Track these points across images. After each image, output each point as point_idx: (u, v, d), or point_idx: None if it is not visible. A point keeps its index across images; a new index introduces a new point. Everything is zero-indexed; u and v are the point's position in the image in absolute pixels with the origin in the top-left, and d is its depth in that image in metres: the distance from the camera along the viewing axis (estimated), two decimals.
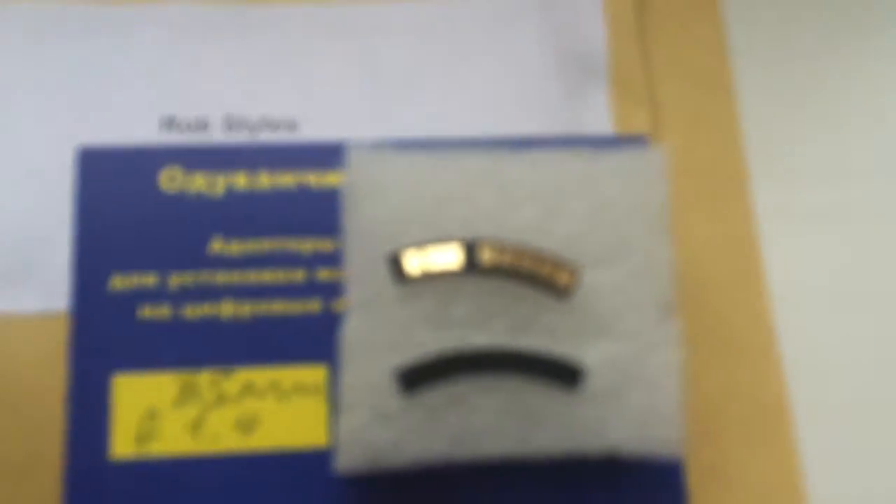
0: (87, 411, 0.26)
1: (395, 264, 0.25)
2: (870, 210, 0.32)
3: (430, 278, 0.25)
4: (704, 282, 0.31)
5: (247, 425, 0.27)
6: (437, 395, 0.25)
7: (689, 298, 0.30)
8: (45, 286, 0.28)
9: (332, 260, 0.28)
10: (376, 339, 0.25)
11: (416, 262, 0.25)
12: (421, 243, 0.25)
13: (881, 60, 0.34)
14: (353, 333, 0.25)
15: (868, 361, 0.30)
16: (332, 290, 0.28)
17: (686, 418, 0.27)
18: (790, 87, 0.33)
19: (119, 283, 0.27)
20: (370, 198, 0.26)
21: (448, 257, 0.25)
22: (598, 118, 0.31)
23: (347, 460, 0.25)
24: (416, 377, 0.25)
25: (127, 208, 0.28)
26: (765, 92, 0.33)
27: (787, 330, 0.30)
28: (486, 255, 0.25)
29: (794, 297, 0.31)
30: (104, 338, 0.27)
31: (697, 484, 0.28)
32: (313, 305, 0.28)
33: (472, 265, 0.25)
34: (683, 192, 0.31)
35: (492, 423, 0.25)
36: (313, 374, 0.27)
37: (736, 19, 0.34)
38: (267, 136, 0.30)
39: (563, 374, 0.25)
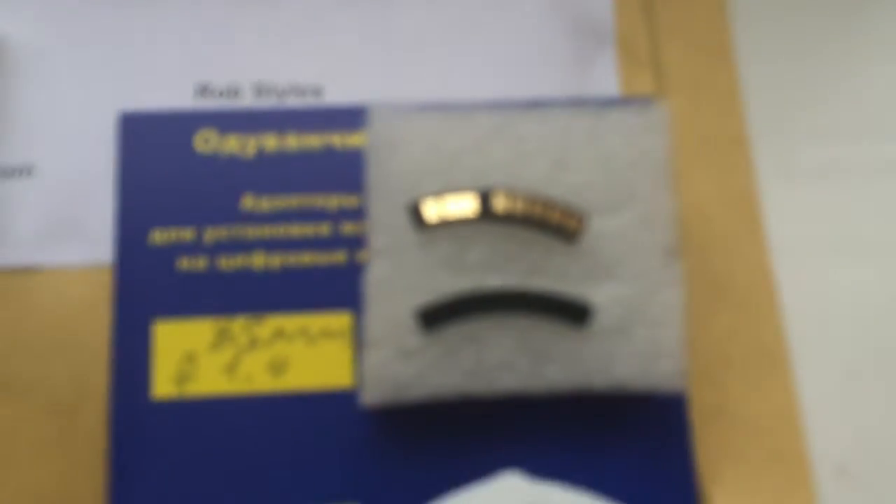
0: (130, 355, 0.28)
1: (414, 213, 0.27)
2: (862, 167, 0.33)
3: (447, 225, 0.27)
4: (709, 234, 0.32)
5: (278, 367, 0.29)
6: (455, 334, 0.27)
7: (695, 250, 0.32)
8: (91, 240, 0.29)
9: (356, 215, 0.30)
10: (398, 282, 0.27)
11: (434, 210, 0.27)
12: (438, 193, 0.27)
13: (875, 27, 0.35)
14: (376, 277, 0.27)
15: (859, 308, 0.32)
16: (356, 243, 0.30)
17: (691, 361, 0.29)
18: (788, 51, 0.35)
19: (158, 237, 0.30)
20: (391, 153, 0.28)
21: (464, 205, 0.27)
22: (606, 82, 0.33)
23: (372, 394, 0.27)
24: (435, 316, 0.26)
25: (165, 168, 0.30)
26: (764, 57, 0.34)
27: (785, 278, 0.32)
28: (500, 203, 0.27)
29: (792, 248, 0.32)
30: (145, 287, 0.29)
31: (701, 422, 0.30)
32: (339, 257, 0.30)
33: (486, 212, 0.27)
34: (688, 150, 0.33)
35: (505, 359, 0.27)
36: (339, 321, 0.29)
37: None
38: (294, 101, 0.32)
39: (572, 312, 0.27)
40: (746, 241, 0.32)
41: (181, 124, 0.30)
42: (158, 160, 0.30)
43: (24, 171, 0.30)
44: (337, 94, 0.32)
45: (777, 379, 0.31)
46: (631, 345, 0.27)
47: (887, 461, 0.30)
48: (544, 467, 0.27)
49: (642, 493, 0.28)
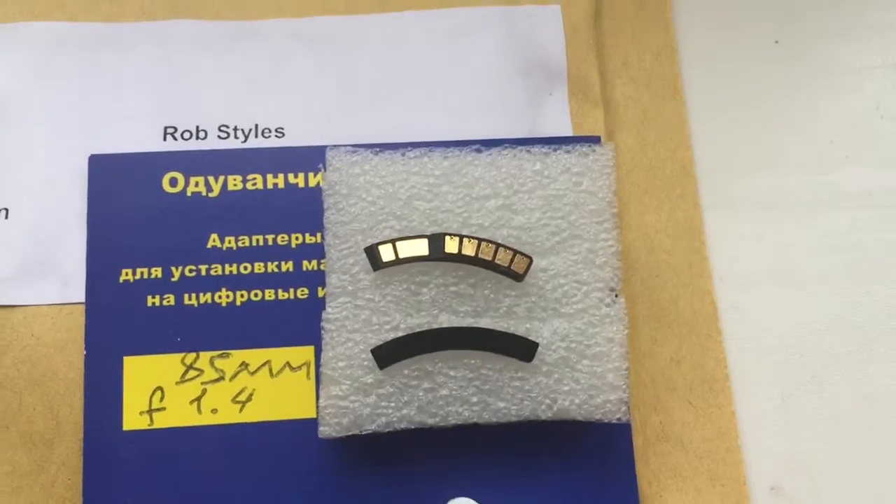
0: (102, 389, 0.30)
1: (371, 254, 0.28)
2: (800, 198, 0.35)
3: (401, 266, 0.29)
4: (655, 264, 0.34)
5: (242, 400, 0.30)
6: (409, 369, 0.28)
7: (642, 279, 0.34)
8: (63, 280, 0.31)
9: (317, 252, 0.31)
10: (353, 320, 0.28)
11: (389, 251, 0.28)
12: (393, 236, 0.29)
13: (815, 64, 0.37)
14: (333, 316, 0.29)
15: (795, 335, 0.33)
16: (317, 279, 0.31)
17: (636, 386, 0.31)
18: (733, 88, 0.36)
19: (128, 275, 0.31)
20: (347, 197, 0.29)
21: (417, 247, 0.28)
22: (558, 120, 0.34)
23: (329, 427, 0.28)
24: (389, 354, 0.28)
25: (134, 209, 0.31)
26: (710, 93, 0.36)
27: (726, 306, 0.34)
28: (451, 246, 0.28)
29: (733, 276, 0.34)
30: (115, 324, 0.30)
31: (645, 444, 0.32)
32: (301, 293, 0.31)
33: (438, 254, 0.28)
34: (636, 184, 0.35)
35: (457, 394, 0.28)
36: (302, 354, 0.31)
37: (685, 29, 0.37)
38: (257, 143, 0.33)
39: (519, 348, 0.28)
40: (691, 270, 0.34)
41: (149, 166, 0.32)
42: (127, 201, 0.31)
43: None
44: (298, 136, 0.33)
45: (718, 404, 0.33)
46: (575, 379, 0.28)
47: (818, 480, 0.32)
48: (495, 493, 0.29)
49: None
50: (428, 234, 0.28)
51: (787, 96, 0.37)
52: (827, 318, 0.34)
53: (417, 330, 0.28)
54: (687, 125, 0.36)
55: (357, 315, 0.28)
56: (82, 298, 0.31)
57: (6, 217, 0.31)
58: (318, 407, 0.29)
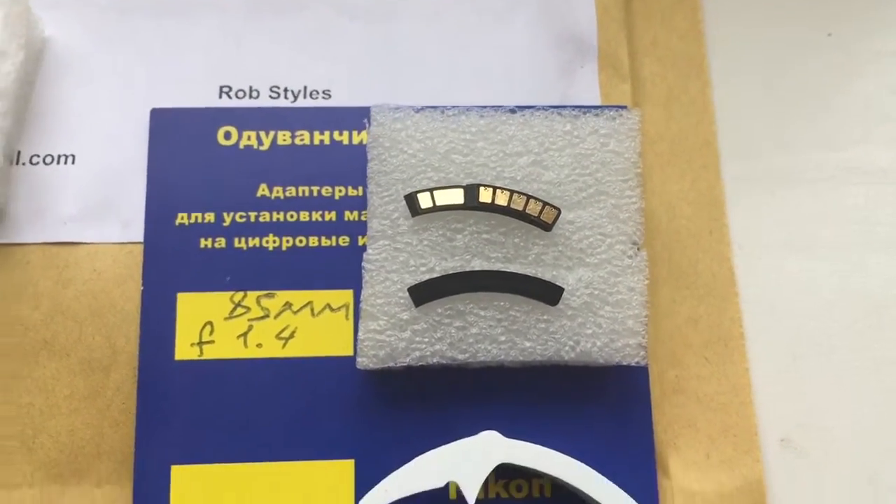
0: (157, 322, 0.32)
1: (410, 201, 0.31)
2: (818, 173, 0.37)
3: (438, 214, 0.31)
4: (677, 230, 0.36)
5: (285, 337, 0.33)
6: (441, 308, 0.30)
7: (664, 244, 0.35)
8: (124, 221, 0.33)
9: (359, 204, 0.34)
10: (392, 262, 0.31)
11: (427, 199, 0.30)
12: (431, 186, 0.31)
13: (837, 46, 0.39)
14: (373, 257, 0.31)
15: (807, 299, 0.35)
16: (358, 229, 0.33)
17: (655, 343, 0.33)
18: (757, 67, 0.38)
19: (183, 219, 0.33)
20: (390, 149, 0.32)
21: (453, 197, 0.31)
22: (588, 92, 0.36)
23: (366, 358, 0.30)
24: (425, 292, 0.30)
25: (190, 159, 0.34)
26: (735, 71, 0.38)
27: (743, 272, 0.35)
28: (485, 195, 0.30)
29: (751, 244, 0.36)
30: (170, 263, 0.33)
31: (662, 397, 0.33)
32: (342, 241, 0.33)
33: (472, 203, 0.30)
34: (660, 154, 0.37)
35: (485, 332, 0.30)
36: (341, 297, 0.33)
37: (712, 12, 0.39)
38: (306, 103, 0.35)
39: (546, 293, 0.30)
40: (711, 237, 0.36)
41: (205, 120, 0.34)
42: (184, 151, 0.34)
43: (68, 158, 0.34)
44: (344, 97, 0.35)
45: (731, 361, 0.34)
46: (597, 323, 0.30)
47: (825, 433, 0.34)
48: (519, 429, 0.31)
49: (605, 455, 0.31)
50: (463, 184, 0.31)
51: (808, 78, 0.39)
52: (839, 286, 0.36)
53: (451, 272, 0.30)
54: (711, 102, 0.38)
55: (395, 257, 0.31)
56: (141, 238, 0.33)
57: (73, 162, 0.34)
58: (356, 340, 0.31)
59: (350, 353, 0.32)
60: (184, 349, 0.32)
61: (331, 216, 0.34)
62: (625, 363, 0.30)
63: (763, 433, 0.33)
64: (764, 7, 0.39)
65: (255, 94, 0.35)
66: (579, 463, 0.30)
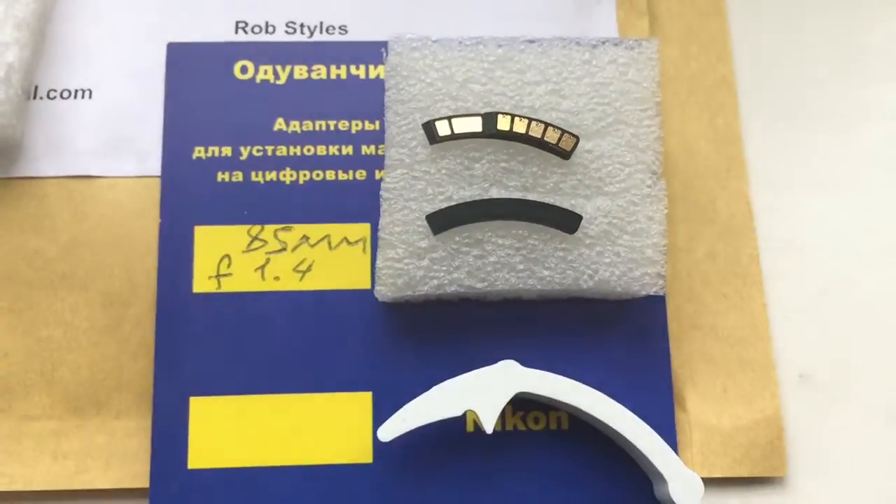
0: (175, 254, 0.32)
1: (428, 129, 0.30)
2: (839, 113, 0.36)
3: (456, 142, 0.30)
4: (695, 167, 0.35)
5: (303, 270, 0.32)
6: (460, 237, 0.30)
7: (682, 181, 0.35)
8: (141, 155, 0.33)
9: (375, 138, 0.34)
10: (411, 189, 0.30)
11: (445, 126, 0.30)
12: (450, 114, 0.31)
13: None
14: (391, 185, 0.31)
15: (828, 237, 0.35)
16: (375, 162, 0.33)
17: (673, 279, 0.33)
18: (775, 8, 0.38)
19: (200, 152, 0.33)
20: (407, 78, 0.31)
21: (471, 125, 0.30)
22: (605, 27, 0.36)
23: (385, 287, 0.30)
24: (443, 220, 0.30)
25: (207, 93, 0.34)
26: (753, 17, 0.38)
27: (762, 209, 0.35)
28: (503, 123, 0.30)
29: (771, 182, 0.35)
30: (188, 196, 0.33)
31: (680, 332, 0.33)
32: (359, 174, 0.33)
33: (490, 131, 0.30)
34: (678, 93, 0.36)
35: (504, 260, 0.30)
36: (359, 231, 0.33)
37: None
38: (322, 38, 0.35)
39: (564, 221, 0.30)
40: (729, 174, 0.36)
41: (222, 54, 0.34)
42: (201, 86, 0.34)
43: (85, 93, 0.34)
44: (359, 33, 0.35)
45: (750, 297, 0.34)
46: (616, 252, 0.30)
47: (844, 369, 0.33)
48: (537, 361, 0.31)
49: (623, 387, 0.31)
50: (482, 112, 0.30)
51: (828, 16, 0.38)
52: (860, 224, 0.35)
53: (469, 200, 0.30)
54: (729, 41, 0.37)
55: (413, 185, 0.30)
56: (158, 172, 0.33)
57: (90, 97, 0.34)
58: (374, 273, 0.31)
59: (367, 286, 0.32)
60: (202, 282, 0.32)
61: (348, 150, 0.33)
62: (643, 293, 0.30)
63: (781, 369, 0.33)
64: None
65: (271, 29, 0.35)
66: (598, 392, 0.30)
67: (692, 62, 0.37)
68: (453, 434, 0.31)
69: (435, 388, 0.30)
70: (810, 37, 0.38)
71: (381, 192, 0.31)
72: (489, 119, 0.30)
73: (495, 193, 0.30)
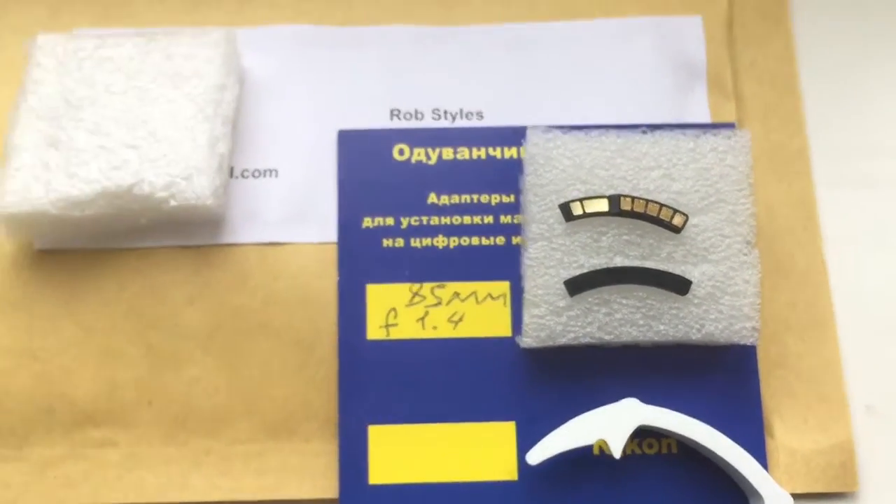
0: (351, 308, 0.39)
1: (564, 209, 0.37)
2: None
3: (586, 219, 0.37)
4: (776, 228, 0.41)
5: (455, 321, 0.39)
6: (591, 297, 0.37)
7: (765, 240, 0.41)
8: (320, 224, 0.39)
9: (511, 209, 0.40)
10: (550, 258, 0.37)
11: (578, 208, 0.37)
12: (580, 196, 0.37)
13: None
14: (534, 255, 0.37)
15: (890, 288, 0.41)
16: (511, 230, 0.40)
17: (760, 323, 0.39)
18: (843, 87, 0.44)
19: (368, 222, 0.40)
20: (544, 165, 0.38)
21: (599, 205, 0.37)
22: (699, 109, 0.42)
23: (530, 338, 0.37)
24: (578, 285, 0.37)
25: (372, 172, 0.40)
26: (824, 90, 0.44)
27: (834, 265, 0.41)
28: (625, 204, 0.37)
29: (841, 242, 0.41)
30: (360, 259, 0.39)
31: (767, 371, 0.39)
32: (499, 240, 0.40)
33: (615, 211, 0.37)
34: (760, 163, 0.42)
35: (627, 317, 0.37)
36: (500, 287, 0.39)
37: (804, 34, 0.45)
38: (462, 123, 0.42)
39: (676, 284, 0.37)
40: (805, 234, 0.41)
41: (383, 139, 0.41)
42: (367, 166, 0.40)
43: (272, 172, 0.40)
44: (494, 118, 0.42)
45: (824, 340, 0.40)
46: (719, 310, 0.37)
47: None
48: (652, 397, 0.37)
49: (723, 418, 0.37)
50: (607, 195, 0.37)
51: (888, 91, 0.44)
52: None
53: (599, 268, 0.37)
54: (803, 117, 0.43)
55: (552, 255, 0.37)
56: (335, 239, 0.39)
57: (276, 176, 0.40)
58: (515, 323, 0.38)
59: (508, 333, 0.39)
60: (374, 330, 0.39)
61: (488, 219, 0.40)
62: (741, 343, 0.37)
63: (852, 401, 0.39)
64: (851, 32, 0.45)
65: (419, 115, 0.42)
66: (705, 424, 0.36)
67: (771, 136, 0.43)
68: (582, 456, 0.38)
69: (572, 421, 0.36)
70: (875, 112, 0.44)
71: (525, 260, 0.37)
72: (614, 200, 0.37)
73: (619, 262, 0.37)
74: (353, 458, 0.37)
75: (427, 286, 0.39)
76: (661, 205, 0.37)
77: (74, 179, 0.36)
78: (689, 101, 0.42)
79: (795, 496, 0.37)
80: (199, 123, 0.38)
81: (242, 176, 0.40)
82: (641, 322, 0.37)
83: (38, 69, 0.38)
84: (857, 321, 0.40)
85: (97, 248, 0.39)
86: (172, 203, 0.37)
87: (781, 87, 0.44)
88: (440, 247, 0.40)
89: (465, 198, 0.40)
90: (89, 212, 0.37)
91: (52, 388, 0.38)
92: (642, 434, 0.38)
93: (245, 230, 0.40)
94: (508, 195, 0.40)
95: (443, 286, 0.39)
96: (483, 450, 0.38)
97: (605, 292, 0.37)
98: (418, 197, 0.40)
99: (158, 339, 0.39)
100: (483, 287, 0.39)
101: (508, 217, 0.40)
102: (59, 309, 0.39)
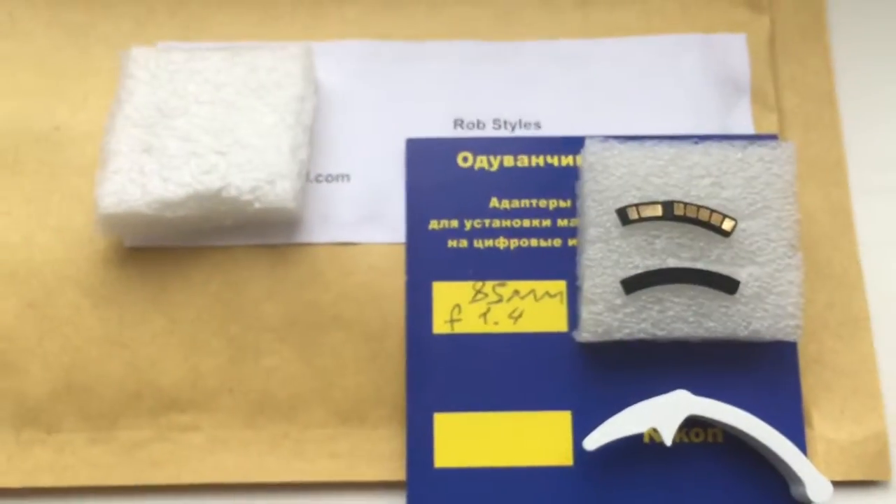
0: (418, 303, 0.42)
1: (621, 213, 0.40)
2: None
3: (641, 223, 0.40)
4: (815, 233, 0.44)
5: (515, 316, 0.42)
6: (645, 296, 0.40)
7: (805, 246, 0.43)
8: (389, 226, 0.42)
9: (568, 213, 0.43)
10: (607, 259, 0.40)
11: (633, 212, 0.40)
12: (635, 202, 0.40)
13: None
14: (593, 256, 0.40)
15: None
16: (568, 233, 0.43)
17: (802, 321, 0.42)
18: (879, 100, 0.46)
19: (435, 224, 0.43)
20: (601, 172, 0.41)
21: (654, 210, 0.40)
22: (743, 121, 0.45)
23: (588, 333, 0.40)
24: (634, 284, 0.39)
25: (437, 177, 0.43)
26: (860, 103, 0.46)
27: (869, 268, 0.44)
28: (678, 210, 0.39)
29: (877, 245, 0.44)
30: (426, 259, 0.42)
31: (805, 367, 0.42)
32: (556, 242, 0.43)
33: (668, 216, 0.39)
34: (801, 173, 0.44)
35: (679, 314, 0.39)
36: (557, 286, 0.42)
37: (841, 51, 0.47)
38: (521, 132, 0.44)
39: (725, 284, 0.39)
40: (842, 239, 0.44)
41: (448, 147, 0.44)
42: (433, 172, 0.43)
43: (344, 177, 0.43)
44: (550, 128, 0.44)
45: (860, 338, 0.42)
46: (765, 309, 0.39)
47: None
48: (700, 388, 0.40)
49: (766, 409, 0.40)
50: (661, 201, 0.40)
51: None
52: None
53: (653, 269, 0.39)
54: (840, 128, 0.46)
55: (609, 256, 0.40)
56: (403, 240, 0.42)
57: (348, 180, 0.43)
58: (572, 319, 0.41)
59: (565, 329, 0.41)
60: (439, 325, 0.42)
61: (546, 223, 0.43)
62: (784, 339, 0.39)
63: (885, 395, 0.42)
64: (885, 49, 0.47)
65: (481, 125, 0.45)
66: (750, 415, 0.39)
67: (811, 147, 0.46)
68: (633, 444, 0.40)
69: (626, 410, 0.39)
70: None
71: (584, 261, 0.40)
72: (668, 206, 0.40)
73: (672, 263, 0.40)
74: (419, 443, 0.40)
75: (489, 284, 0.42)
76: (712, 210, 0.40)
77: (167, 183, 0.40)
78: (734, 114, 0.45)
79: (832, 483, 0.40)
80: (281, 132, 0.41)
81: (317, 180, 0.43)
82: (692, 319, 0.40)
83: (132, 80, 0.41)
84: (890, 320, 0.43)
85: (183, 245, 0.43)
86: (257, 205, 0.40)
87: (820, 100, 0.46)
88: (501, 247, 0.43)
89: (525, 202, 0.43)
90: (180, 213, 0.40)
91: (140, 375, 0.41)
92: (690, 424, 0.41)
93: (319, 231, 0.43)
94: (565, 200, 0.43)
95: (504, 284, 0.42)
96: (541, 437, 0.41)
97: (659, 291, 0.40)
98: (481, 201, 0.43)
99: (239, 331, 0.42)
100: (541, 285, 0.42)
101: (565, 220, 0.43)
102: (147, 302, 0.42)
